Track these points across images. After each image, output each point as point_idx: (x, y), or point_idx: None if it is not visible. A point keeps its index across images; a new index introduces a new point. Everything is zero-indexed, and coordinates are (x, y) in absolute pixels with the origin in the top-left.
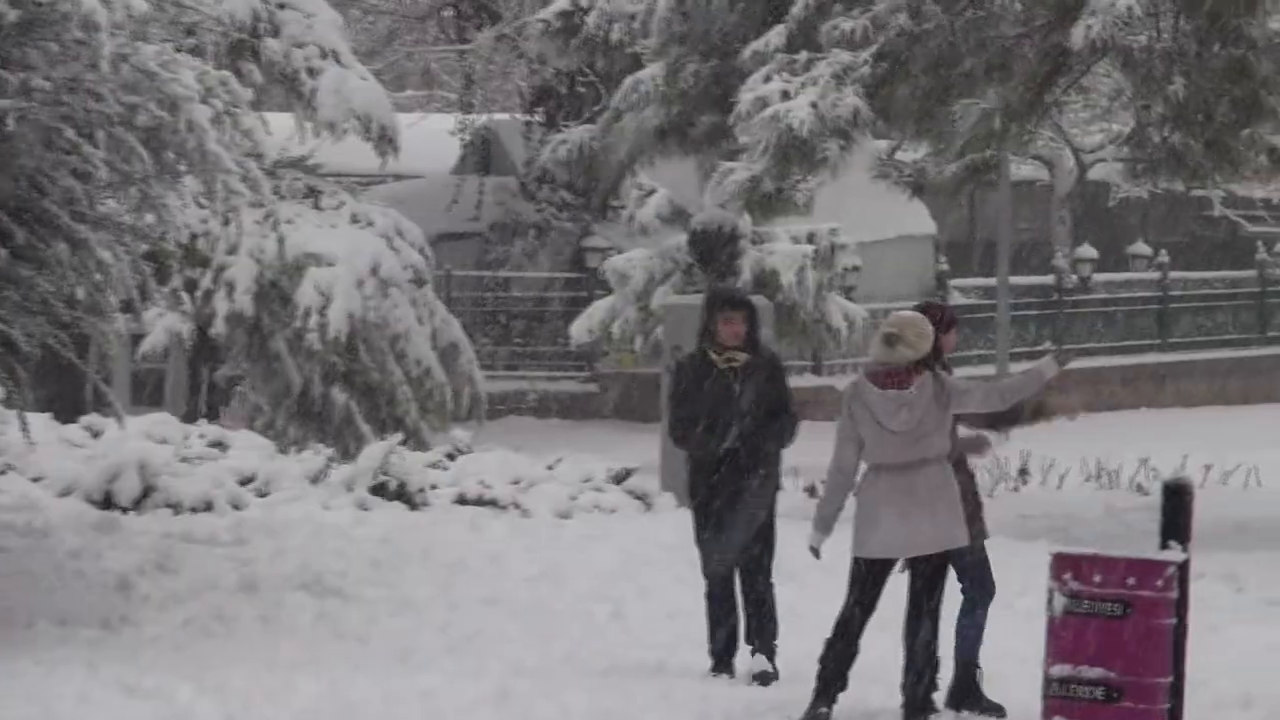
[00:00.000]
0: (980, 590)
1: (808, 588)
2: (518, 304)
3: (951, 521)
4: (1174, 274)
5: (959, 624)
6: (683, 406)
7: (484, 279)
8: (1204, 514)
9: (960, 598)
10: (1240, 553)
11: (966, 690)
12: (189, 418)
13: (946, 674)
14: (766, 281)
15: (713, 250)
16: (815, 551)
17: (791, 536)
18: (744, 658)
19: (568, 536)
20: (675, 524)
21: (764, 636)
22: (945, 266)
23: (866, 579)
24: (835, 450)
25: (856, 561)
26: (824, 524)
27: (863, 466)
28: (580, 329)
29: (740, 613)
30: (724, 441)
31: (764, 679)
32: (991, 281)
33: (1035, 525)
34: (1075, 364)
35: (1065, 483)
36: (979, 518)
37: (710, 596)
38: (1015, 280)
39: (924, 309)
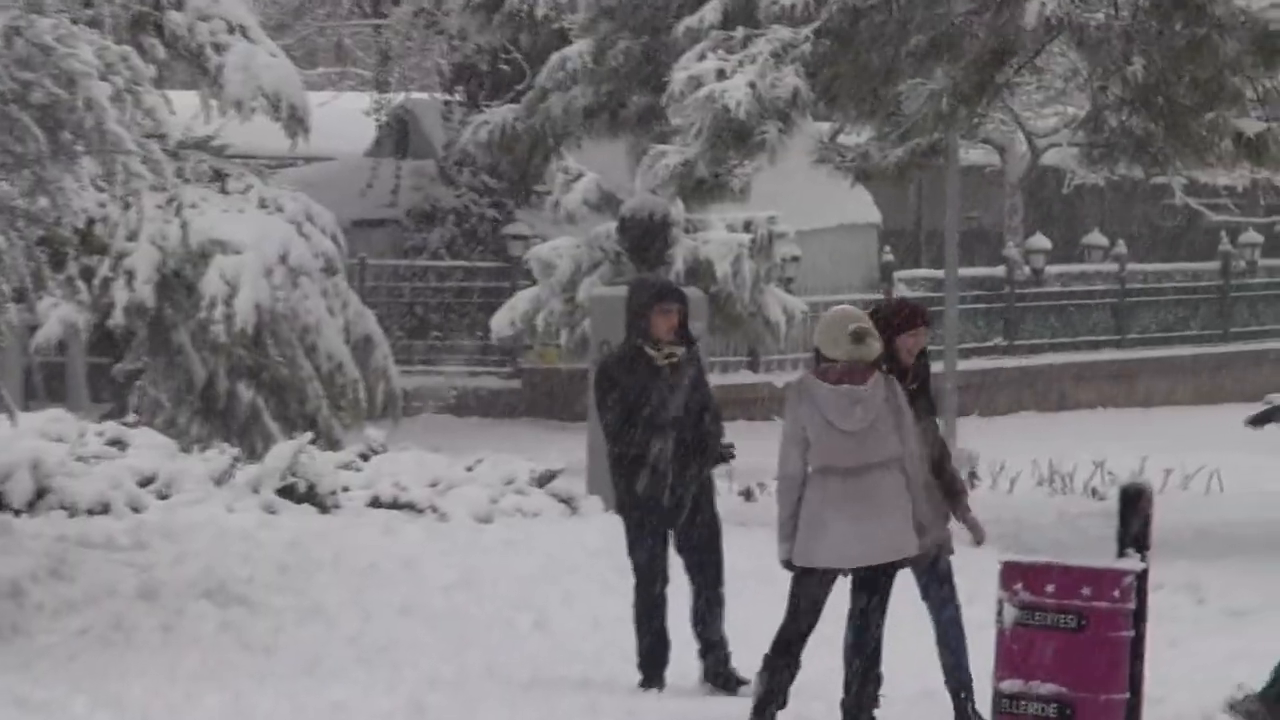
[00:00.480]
0: (952, 593)
1: (743, 596)
2: (436, 295)
3: (904, 529)
4: (1132, 266)
5: (943, 634)
6: (616, 409)
7: (400, 268)
8: (1164, 520)
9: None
10: (1201, 561)
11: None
12: (110, 414)
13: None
14: (700, 272)
15: (644, 239)
16: (788, 565)
17: (727, 542)
18: (678, 670)
19: (488, 541)
20: (602, 528)
21: (717, 649)
22: (890, 257)
23: (810, 591)
24: (781, 455)
25: (799, 571)
26: (788, 533)
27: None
28: (502, 322)
29: (668, 625)
30: (667, 440)
31: (727, 684)
32: (939, 273)
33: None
34: (1026, 360)
35: (1016, 486)
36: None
37: (643, 605)
38: (964, 272)
39: (896, 307)
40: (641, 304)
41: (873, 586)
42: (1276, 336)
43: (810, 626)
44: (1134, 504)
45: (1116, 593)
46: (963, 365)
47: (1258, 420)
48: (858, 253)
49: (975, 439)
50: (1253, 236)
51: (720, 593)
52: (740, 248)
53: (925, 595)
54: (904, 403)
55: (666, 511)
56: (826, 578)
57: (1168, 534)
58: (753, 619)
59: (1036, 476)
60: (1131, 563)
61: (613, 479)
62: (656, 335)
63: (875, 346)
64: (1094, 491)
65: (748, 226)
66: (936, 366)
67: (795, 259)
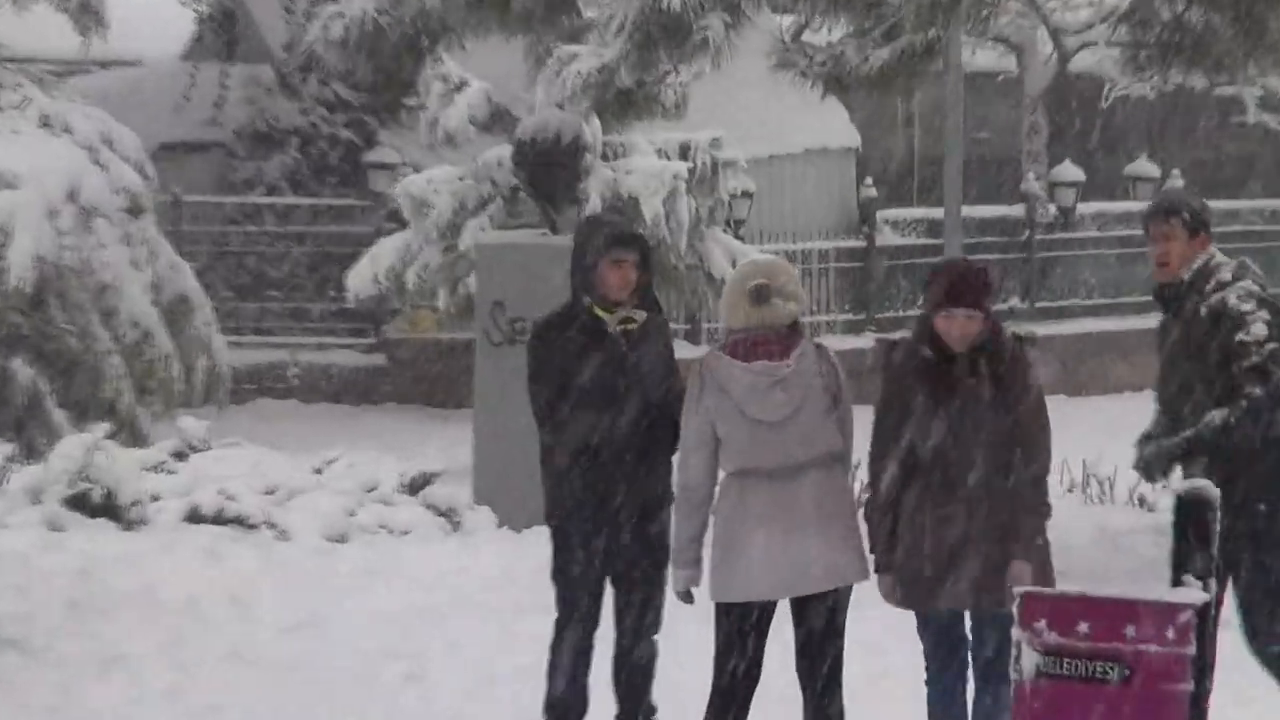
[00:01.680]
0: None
1: (679, 641)
2: (274, 242)
3: (846, 546)
4: None
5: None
6: (551, 384)
7: (227, 207)
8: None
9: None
10: None
11: None
12: None
13: None
14: (623, 211)
15: (547, 168)
16: (687, 597)
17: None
18: None
19: (344, 569)
20: (495, 550)
21: (640, 708)
22: (873, 192)
23: (739, 632)
24: (681, 457)
25: (717, 609)
26: (689, 558)
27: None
28: (361, 278)
29: (589, 681)
30: (615, 431)
31: None
32: (937, 213)
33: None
34: (1053, 327)
35: None
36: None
37: (561, 649)
38: (969, 212)
39: (933, 274)
40: (589, 251)
41: (820, 622)
42: None
43: (748, 677)
44: (1194, 516)
45: (1171, 633)
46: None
47: (1151, 467)
48: (829, 186)
49: None
50: None
51: (655, 644)
52: (675, 180)
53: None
54: (842, 379)
55: (608, 525)
56: (754, 613)
57: None
58: (688, 670)
59: (1066, 480)
60: (1191, 593)
61: (542, 478)
62: (607, 293)
63: (785, 308)
64: (1142, 501)
65: (685, 153)
66: None
67: (748, 195)
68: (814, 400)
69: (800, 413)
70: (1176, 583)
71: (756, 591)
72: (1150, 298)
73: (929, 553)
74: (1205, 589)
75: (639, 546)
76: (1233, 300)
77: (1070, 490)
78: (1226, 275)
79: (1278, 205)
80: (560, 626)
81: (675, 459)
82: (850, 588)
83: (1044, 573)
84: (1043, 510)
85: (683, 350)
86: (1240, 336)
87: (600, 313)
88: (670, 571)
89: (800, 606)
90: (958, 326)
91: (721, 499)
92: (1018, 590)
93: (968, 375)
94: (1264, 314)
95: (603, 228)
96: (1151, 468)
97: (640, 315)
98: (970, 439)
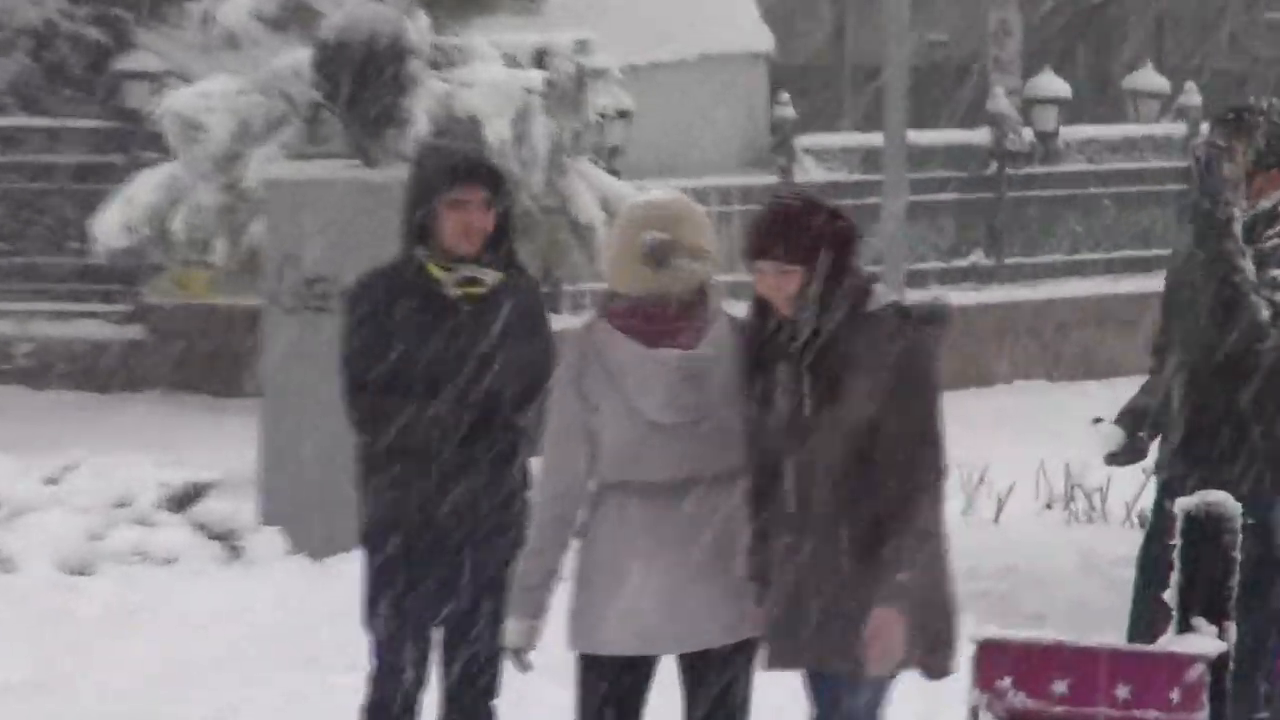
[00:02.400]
0: None
1: (529, 708)
2: None
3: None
4: (1208, 128)
5: None
6: (370, 366)
7: None
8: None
9: None
10: None
11: None
12: None
13: None
14: (460, 137)
15: (359, 79)
16: (520, 657)
17: None
18: None
19: (87, 611)
20: (288, 585)
21: None
22: (791, 112)
23: (607, 697)
24: (546, 460)
25: (583, 665)
26: (535, 604)
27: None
28: (112, 225)
29: None
30: (452, 427)
31: None
32: (874, 139)
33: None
34: (1028, 291)
35: (1010, 508)
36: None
37: (376, 711)
38: (918, 137)
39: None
40: (423, 188)
41: (708, 687)
42: None
43: None
44: (1206, 539)
45: (1176, 693)
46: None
47: (1118, 456)
48: (734, 105)
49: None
50: None
51: (493, 712)
52: (529, 96)
53: None
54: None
55: (440, 553)
56: (626, 673)
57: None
58: None
59: (1044, 492)
60: (1203, 641)
61: (356, 490)
62: (448, 244)
63: (692, 271)
64: (1140, 519)
65: (541, 60)
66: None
67: (624, 116)
68: (729, 398)
69: (711, 415)
70: (1184, 627)
71: (628, 643)
72: (1159, 252)
73: (773, 597)
74: (1222, 636)
75: (480, 583)
76: None
77: (1049, 506)
78: None
79: None
80: (374, 687)
81: (534, 465)
82: (757, 643)
83: (929, 626)
84: (914, 541)
85: None
86: None
87: (437, 271)
88: (508, 620)
89: (690, 667)
90: (766, 285)
91: (592, 520)
92: (973, 638)
93: (800, 356)
94: None
95: (444, 156)
96: (1113, 443)
97: (491, 275)
98: (809, 440)
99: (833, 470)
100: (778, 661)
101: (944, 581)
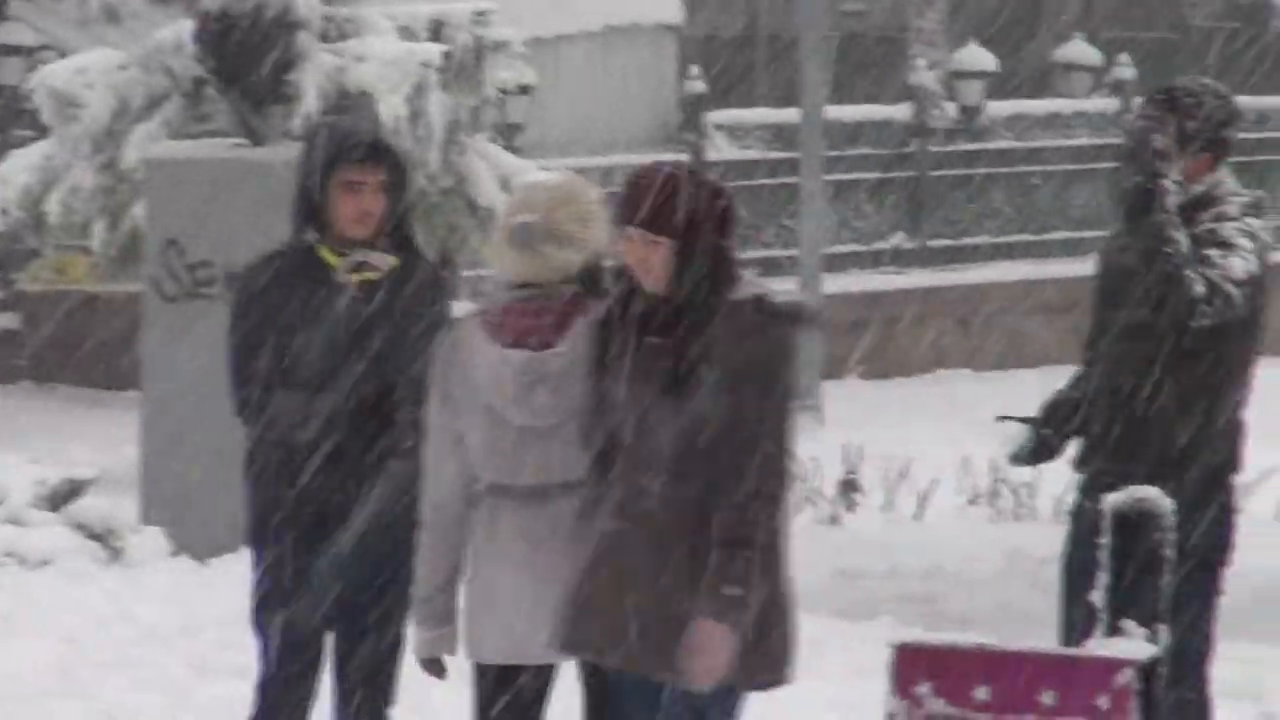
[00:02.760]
0: None
1: (425, 714)
2: None
3: None
4: (1142, 100)
5: None
6: (260, 355)
7: None
8: None
9: None
10: (1270, 642)
11: None
12: None
13: None
14: (351, 112)
15: (243, 52)
16: (435, 666)
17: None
18: None
19: None
20: (171, 588)
21: None
22: (701, 86)
23: (504, 699)
24: (428, 463)
25: (475, 670)
26: (437, 611)
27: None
28: None
29: None
30: (340, 427)
31: None
32: (791, 116)
33: (872, 589)
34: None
35: (933, 506)
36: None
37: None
38: (835, 113)
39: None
40: (316, 168)
41: (592, 698)
42: None
43: None
44: (1132, 536)
45: (1104, 700)
46: (834, 286)
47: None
48: (641, 78)
49: (858, 420)
50: None
51: (387, 717)
52: (424, 70)
53: None
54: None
55: (330, 554)
56: (517, 680)
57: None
58: None
59: (969, 488)
60: (1132, 645)
61: (244, 486)
62: (341, 228)
63: (558, 259)
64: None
65: (438, 32)
66: (778, 286)
67: (526, 91)
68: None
69: (568, 416)
70: (1112, 630)
71: (502, 651)
72: (1088, 234)
73: (583, 578)
74: (1152, 639)
75: (370, 585)
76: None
77: (973, 502)
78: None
79: (1266, 103)
80: (264, 692)
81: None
82: None
83: (763, 637)
84: (746, 552)
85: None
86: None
87: (329, 256)
88: (412, 629)
89: (594, 672)
90: (633, 254)
91: (473, 523)
92: (890, 643)
93: (653, 335)
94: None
95: (336, 133)
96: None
97: (386, 261)
98: (645, 424)
99: (666, 462)
100: (572, 647)
101: (779, 592)
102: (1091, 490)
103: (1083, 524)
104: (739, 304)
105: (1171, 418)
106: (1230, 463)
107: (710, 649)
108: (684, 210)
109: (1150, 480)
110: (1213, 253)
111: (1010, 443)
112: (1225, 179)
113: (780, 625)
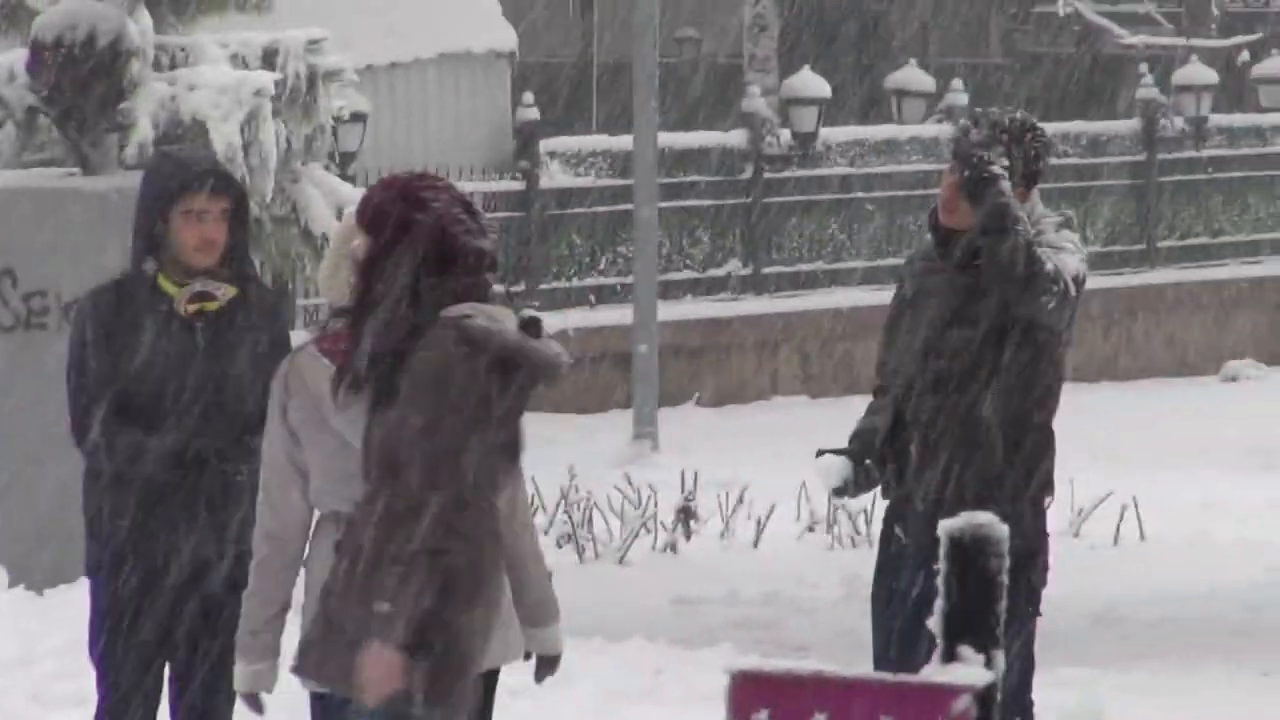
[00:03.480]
0: None
1: None
2: None
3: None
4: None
5: None
6: (96, 383)
7: None
8: (1055, 592)
9: None
10: (1106, 668)
11: None
12: None
13: None
14: (184, 140)
15: (76, 81)
16: (255, 703)
17: None
18: None
19: None
20: (6, 620)
21: None
22: (535, 113)
23: None
24: (265, 493)
25: (311, 698)
26: (263, 645)
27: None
28: None
29: None
30: (178, 453)
31: None
32: (625, 143)
33: (710, 616)
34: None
35: (770, 532)
36: None
37: None
38: (669, 139)
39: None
40: (156, 197)
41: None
42: (1250, 253)
43: None
44: (969, 561)
45: None
46: (670, 314)
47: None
48: (475, 106)
49: (695, 447)
50: (1196, 74)
51: None
52: (258, 98)
53: None
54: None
55: (165, 589)
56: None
57: (1050, 619)
58: None
59: (806, 514)
60: (970, 671)
61: (83, 513)
62: (182, 256)
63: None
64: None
65: (271, 60)
66: (614, 314)
67: (359, 119)
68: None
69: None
70: (949, 656)
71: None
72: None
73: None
74: (989, 665)
75: (204, 621)
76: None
77: (811, 529)
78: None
79: (1099, 129)
80: None
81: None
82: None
83: (423, 655)
84: (397, 568)
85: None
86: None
87: (168, 286)
88: (237, 664)
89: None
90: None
91: (309, 550)
92: (726, 670)
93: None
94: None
95: (175, 163)
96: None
97: (225, 291)
98: (368, 442)
99: (370, 477)
100: (299, 673)
101: (447, 605)
102: (898, 518)
103: (888, 555)
104: (444, 320)
105: (990, 439)
106: (1047, 483)
107: (366, 665)
108: (375, 210)
109: (978, 504)
110: (1047, 250)
111: (832, 476)
112: (1038, 204)
113: (445, 637)
